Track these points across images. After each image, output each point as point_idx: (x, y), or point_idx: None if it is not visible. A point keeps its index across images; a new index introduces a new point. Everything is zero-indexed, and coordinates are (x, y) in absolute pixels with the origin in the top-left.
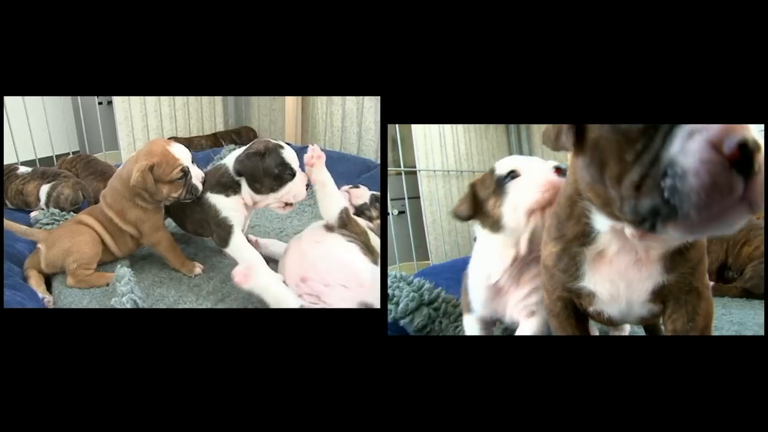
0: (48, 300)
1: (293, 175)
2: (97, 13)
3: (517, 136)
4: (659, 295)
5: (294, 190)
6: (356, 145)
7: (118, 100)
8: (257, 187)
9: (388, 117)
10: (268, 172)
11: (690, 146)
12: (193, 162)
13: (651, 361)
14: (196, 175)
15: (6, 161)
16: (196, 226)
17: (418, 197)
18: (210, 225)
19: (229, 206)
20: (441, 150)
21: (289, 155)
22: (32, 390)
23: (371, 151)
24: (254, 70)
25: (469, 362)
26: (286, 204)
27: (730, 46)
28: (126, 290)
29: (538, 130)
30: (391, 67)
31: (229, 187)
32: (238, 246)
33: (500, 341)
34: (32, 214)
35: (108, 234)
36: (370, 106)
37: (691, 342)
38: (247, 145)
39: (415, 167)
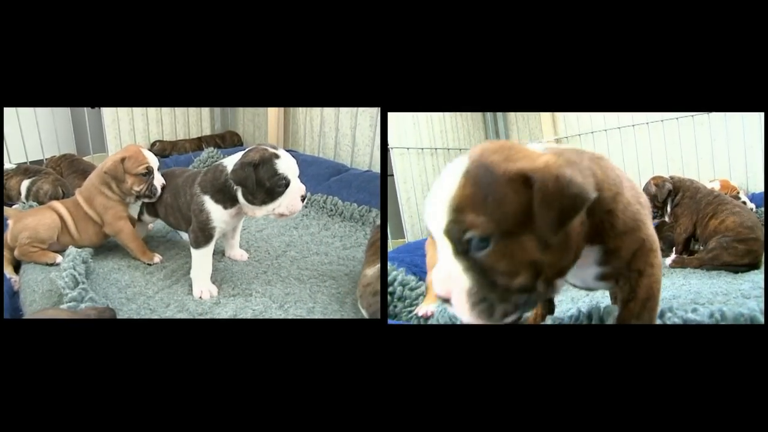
0: (15, 280)
1: (287, 185)
2: (90, 27)
3: (492, 114)
4: (605, 276)
5: (286, 202)
6: (333, 150)
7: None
8: (250, 199)
9: (388, 105)
10: (260, 184)
11: None
12: (158, 169)
13: (652, 350)
14: (158, 179)
15: None
16: (180, 222)
17: (392, 175)
18: (193, 224)
19: (222, 218)
20: (415, 127)
21: (284, 165)
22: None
23: (347, 156)
24: (247, 81)
25: (466, 350)
26: (280, 214)
27: (729, 34)
28: (68, 266)
29: None
30: (390, 60)
31: (229, 200)
32: (204, 254)
33: (498, 330)
34: (13, 207)
35: (72, 219)
36: (347, 111)
37: (691, 330)
38: (245, 150)
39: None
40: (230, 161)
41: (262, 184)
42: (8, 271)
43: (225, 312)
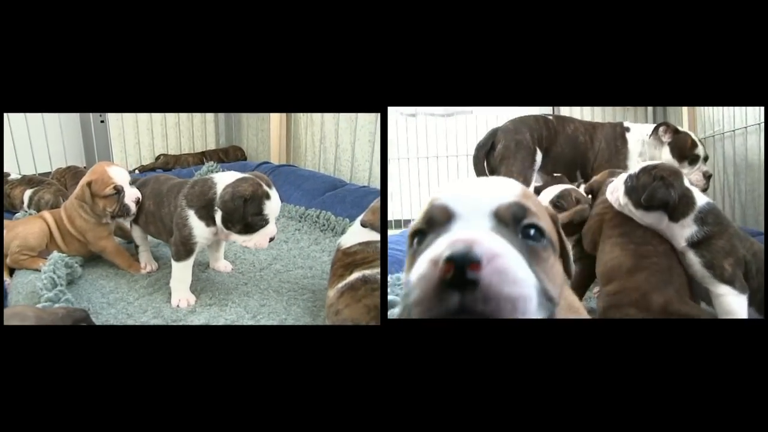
0: (8, 283)
1: (264, 226)
2: (92, 33)
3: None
4: None
5: (256, 239)
6: (333, 165)
7: (112, 118)
8: (229, 226)
9: (388, 99)
10: (243, 218)
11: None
12: (131, 184)
13: (651, 345)
14: (130, 196)
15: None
16: (162, 232)
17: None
18: (175, 236)
19: (204, 235)
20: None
21: (270, 207)
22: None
23: (347, 170)
24: (250, 88)
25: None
26: (246, 246)
27: (730, 28)
28: (48, 269)
29: None
30: (389, 53)
31: (212, 218)
32: (184, 266)
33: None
34: (15, 215)
35: (59, 231)
36: (346, 126)
37: (692, 325)
38: (240, 178)
39: None
40: (221, 180)
41: (245, 218)
42: (5, 274)
43: (198, 320)
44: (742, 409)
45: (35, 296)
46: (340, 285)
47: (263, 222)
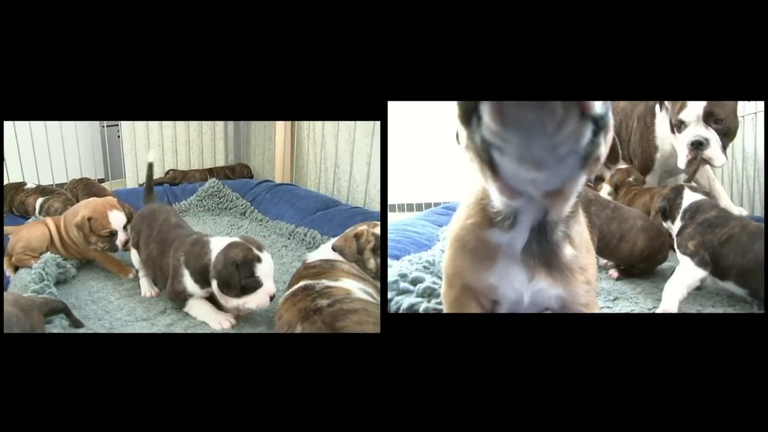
0: (12, 278)
1: (260, 286)
2: (95, 40)
3: None
4: None
5: (256, 300)
6: (333, 185)
7: (125, 135)
8: (225, 291)
9: (388, 94)
10: (238, 283)
11: None
12: (125, 228)
13: (650, 339)
14: (121, 238)
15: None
16: (158, 278)
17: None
18: (169, 289)
19: (198, 293)
20: None
21: (263, 269)
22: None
23: (345, 190)
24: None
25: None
26: (249, 308)
27: (731, 23)
28: (38, 266)
29: None
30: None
31: (206, 281)
32: (188, 308)
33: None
34: (28, 221)
35: (58, 236)
36: (345, 148)
37: (692, 319)
38: (230, 243)
39: None
40: (216, 245)
41: (239, 282)
42: (9, 271)
43: (163, 321)
44: (741, 402)
45: (27, 290)
46: (286, 294)
47: (257, 284)
